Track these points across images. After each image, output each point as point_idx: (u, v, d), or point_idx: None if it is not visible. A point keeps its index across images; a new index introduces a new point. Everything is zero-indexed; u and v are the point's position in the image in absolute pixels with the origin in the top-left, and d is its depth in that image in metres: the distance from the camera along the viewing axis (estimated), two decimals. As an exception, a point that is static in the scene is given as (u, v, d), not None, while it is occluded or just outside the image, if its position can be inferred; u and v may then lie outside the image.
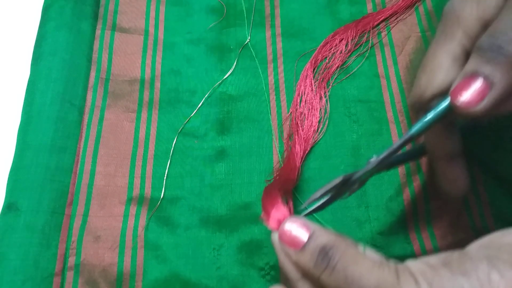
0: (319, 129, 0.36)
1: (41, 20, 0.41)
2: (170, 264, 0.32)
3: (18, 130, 0.36)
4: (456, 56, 0.24)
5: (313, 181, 0.35)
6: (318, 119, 0.37)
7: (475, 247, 0.21)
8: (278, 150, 0.36)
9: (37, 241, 0.32)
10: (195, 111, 0.38)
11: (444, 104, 0.24)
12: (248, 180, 0.35)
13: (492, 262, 0.19)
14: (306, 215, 0.26)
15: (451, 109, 0.23)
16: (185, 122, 0.38)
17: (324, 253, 0.22)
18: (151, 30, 0.42)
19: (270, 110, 0.38)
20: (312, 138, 0.36)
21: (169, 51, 0.41)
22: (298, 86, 0.38)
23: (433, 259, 0.20)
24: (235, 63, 0.40)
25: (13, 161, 0.35)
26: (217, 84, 0.39)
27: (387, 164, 0.27)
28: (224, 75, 0.39)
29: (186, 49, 0.41)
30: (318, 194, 0.25)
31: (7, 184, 0.34)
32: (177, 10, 0.43)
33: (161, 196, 0.35)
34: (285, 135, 0.36)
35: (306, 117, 0.37)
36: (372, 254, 0.22)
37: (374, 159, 0.25)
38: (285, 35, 0.41)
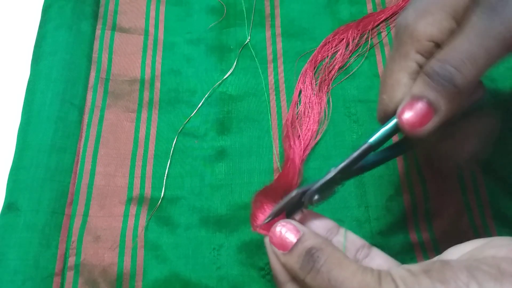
0: (319, 129, 0.36)
1: (41, 20, 0.41)
2: (170, 264, 0.32)
3: (18, 130, 0.36)
4: (412, 72, 0.24)
5: (313, 181, 0.35)
6: (318, 119, 0.37)
7: (456, 257, 0.22)
8: (278, 150, 0.36)
9: (37, 241, 0.32)
10: (195, 111, 0.38)
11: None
12: (248, 180, 0.35)
13: (472, 273, 0.19)
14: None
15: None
16: (185, 122, 0.38)
17: (310, 255, 0.22)
18: (151, 30, 0.42)
19: (270, 110, 0.38)
20: (312, 139, 0.36)
21: (169, 51, 0.41)
22: (298, 86, 0.38)
23: (415, 266, 0.21)
24: (235, 63, 0.40)
25: (13, 161, 0.35)
26: (217, 84, 0.39)
27: (361, 167, 0.27)
28: (224, 75, 0.39)
29: (186, 49, 0.41)
30: (275, 210, 0.26)
31: (7, 184, 0.34)
32: (177, 10, 0.43)
33: (161, 196, 0.35)
34: (285, 135, 0.36)
35: (306, 117, 0.36)
36: (355, 239, 0.25)
37: (333, 169, 0.26)
38: (285, 35, 0.41)
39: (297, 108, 0.37)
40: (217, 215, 0.34)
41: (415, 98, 0.23)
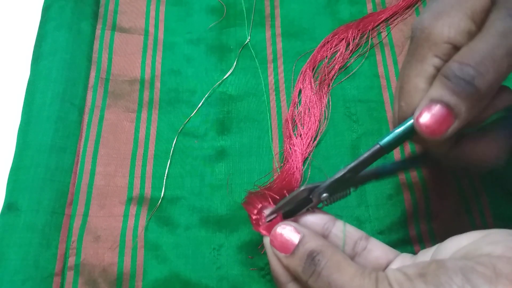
0: (319, 129, 0.36)
1: (41, 20, 0.41)
2: (170, 264, 0.32)
3: (18, 130, 0.36)
4: (430, 76, 0.24)
5: (312, 181, 0.35)
6: (318, 119, 0.37)
7: (452, 256, 0.22)
8: (278, 150, 0.36)
9: (37, 241, 0.32)
10: (195, 111, 0.38)
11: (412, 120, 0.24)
12: (248, 180, 0.35)
13: (467, 276, 0.19)
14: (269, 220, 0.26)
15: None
16: (185, 122, 0.38)
17: (311, 258, 0.23)
18: (151, 30, 0.42)
19: (270, 110, 0.38)
20: (312, 139, 0.36)
21: (169, 51, 0.41)
22: (298, 86, 0.38)
23: (411, 269, 0.21)
24: (235, 63, 0.40)
25: (13, 161, 0.35)
26: (217, 84, 0.39)
27: (376, 173, 0.27)
28: (224, 75, 0.39)
29: (186, 49, 0.41)
30: (282, 203, 0.25)
31: (7, 184, 0.34)
32: (177, 10, 0.43)
33: (161, 196, 0.35)
34: (285, 135, 0.36)
35: (306, 117, 0.36)
36: (353, 231, 0.26)
37: (342, 168, 0.25)
38: (285, 35, 0.41)
39: (297, 108, 0.37)
40: (217, 215, 0.34)
41: (434, 101, 0.22)
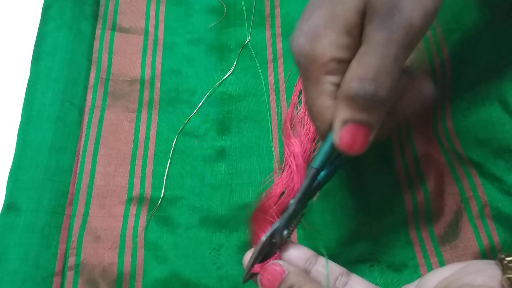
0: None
1: (41, 20, 0.41)
2: (170, 264, 0.32)
3: (18, 130, 0.36)
4: (331, 92, 0.24)
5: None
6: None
7: (435, 283, 0.22)
8: (278, 150, 0.36)
9: (37, 241, 0.32)
10: (195, 111, 0.38)
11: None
12: (248, 180, 0.35)
13: None
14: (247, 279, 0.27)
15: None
16: (185, 122, 0.38)
17: None
18: (151, 30, 0.42)
19: (270, 110, 0.38)
20: (312, 139, 0.36)
21: (169, 51, 0.41)
22: (298, 86, 0.38)
23: None
24: (235, 63, 0.40)
25: (13, 161, 0.35)
26: (217, 84, 0.39)
27: (317, 184, 0.28)
28: (224, 75, 0.39)
29: (186, 49, 0.41)
30: (250, 261, 0.26)
31: (7, 184, 0.34)
32: (177, 10, 0.43)
33: (161, 196, 0.35)
34: (285, 135, 0.36)
35: (306, 117, 0.36)
36: (334, 267, 0.27)
37: (292, 202, 0.26)
38: (285, 35, 0.41)
39: (297, 108, 0.37)
40: (217, 215, 0.34)
41: (347, 122, 0.23)
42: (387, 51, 0.22)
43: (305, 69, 0.25)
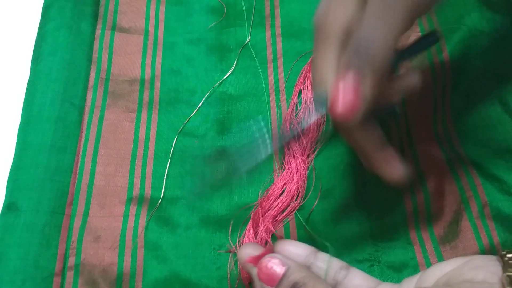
0: (320, 129, 0.36)
1: (41, 20, 0.41)
2: (170, 264, 0.32)
3: (18, 130, 0.36)
4: (335, 66, 0.24)
5: (312, 180, 0.35)
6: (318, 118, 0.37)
7: (436, 284, 0.22)
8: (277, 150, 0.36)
9: (37, 241, 0.32)
10: (195, 111, 0.38)
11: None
12: (248, 180, 0.35)
13: None
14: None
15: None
16: (185, 122, 0.38)
17: None
18: (151, 30, 0.42)
19: (270, 110, 0.38)
20: (312, 139, 0.36)
21: (169, 51, 0.41)
22: (298, 86, 0.38)
23: None
24: (235, 63, 0.40)
25: (13, 161, 0.35)
26: (217, 84, 0.39)
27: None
28: (224, 75, 0.39)
29: (186, 49, 0.41)
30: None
31: (7, 184, 0.34)
32: (177, 10, 0.43)
33: (161, 196, 0.35)
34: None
35: (306, 117, 0.36)
36: (334, 261, 0.27)
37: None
38: (285, 35, 0.41)
39: (297, 108, 0.37)
40: (217, 215, 0.34)
41: (343, 73, 0.23)
42: (388, 14, 0.22)
43: (316, 38, 0.25)
